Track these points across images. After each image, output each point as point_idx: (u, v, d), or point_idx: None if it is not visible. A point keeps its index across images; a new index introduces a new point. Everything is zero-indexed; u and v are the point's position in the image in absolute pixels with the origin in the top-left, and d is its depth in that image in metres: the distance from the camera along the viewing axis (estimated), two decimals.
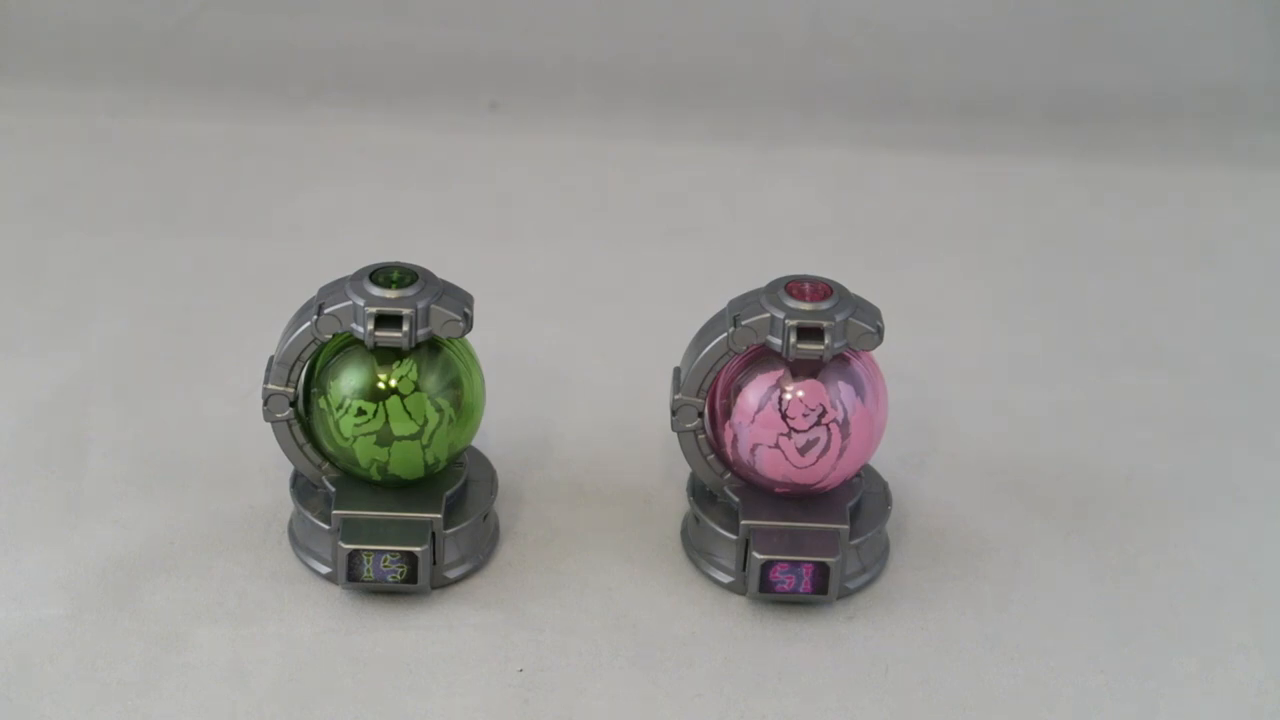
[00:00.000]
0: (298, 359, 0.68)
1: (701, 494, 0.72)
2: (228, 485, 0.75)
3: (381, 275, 0.67)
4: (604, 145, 1.04)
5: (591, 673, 0.67)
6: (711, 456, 0.70)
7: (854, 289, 0.68)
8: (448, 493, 0.70)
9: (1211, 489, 0.78)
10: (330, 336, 0.67)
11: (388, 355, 0.67)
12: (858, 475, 0.71)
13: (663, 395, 0.76)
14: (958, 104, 1.07)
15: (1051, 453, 0.80)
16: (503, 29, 1.07)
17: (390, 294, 0.66)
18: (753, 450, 0.68)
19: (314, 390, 0.68)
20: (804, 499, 0.70)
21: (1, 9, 1.06)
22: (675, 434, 0.70)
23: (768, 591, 0.68)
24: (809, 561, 0.68)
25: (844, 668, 0.67)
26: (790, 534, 0.69)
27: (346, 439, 0.67)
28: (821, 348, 0.66)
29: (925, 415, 0.82)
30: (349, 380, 0.67)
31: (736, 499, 0.70)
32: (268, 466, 0.75)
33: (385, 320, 0.66)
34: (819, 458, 0.68)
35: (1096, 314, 0.91)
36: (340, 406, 0.67)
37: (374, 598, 0.69)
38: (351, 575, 0.67)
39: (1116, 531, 0.75)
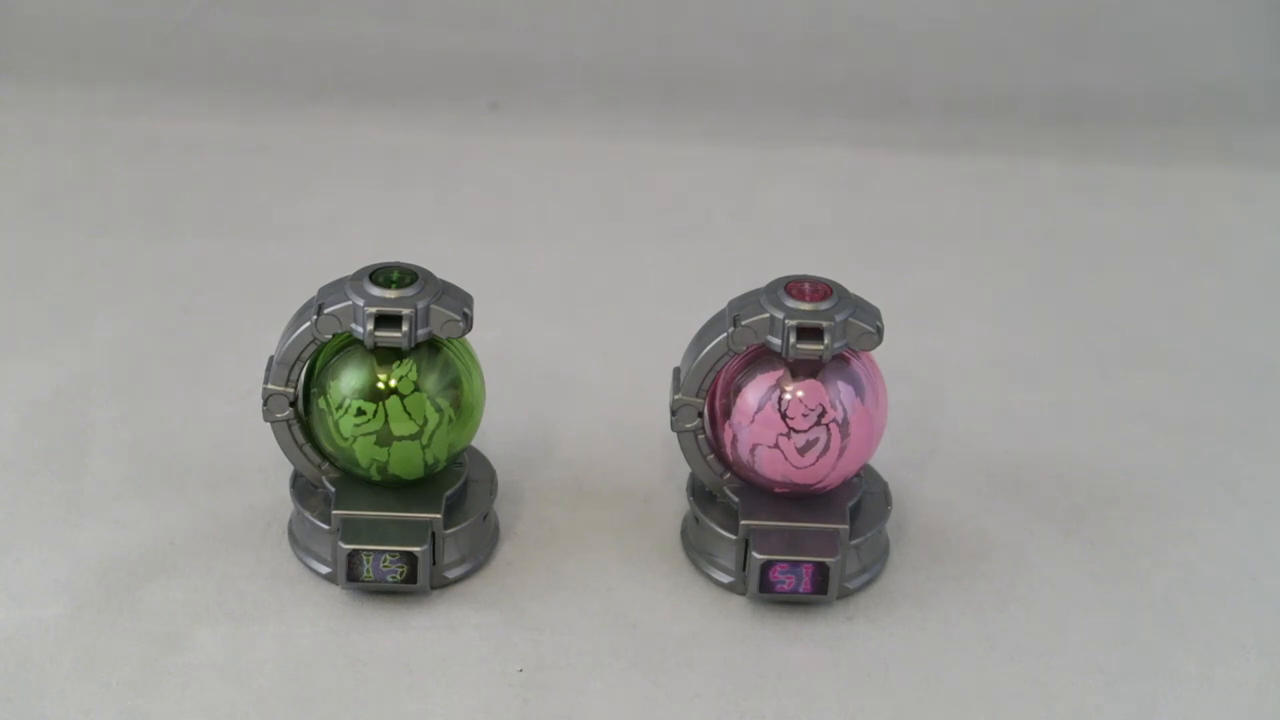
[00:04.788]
0: (298, 359, 0.68)
1: (701, 494, 0.72)
2: (228, 485, 0.75)
3: (381, 275, 0.67)
4: (604, 145, 1.04)
5: (591, 673, 0.67)
6: (711, 456, 0.70)
7: (854, 289, 0.68)
8: (448, 493, 0.70)
9: (1211, 489, 0.78)
10: (330, 336, 0.67)
11: (387, 355, 0.67)
12: (858, 475, 0.71)
13: (663, 395, 0.76)
14: (958, 104, 1.07)
15: (1051, 453, 0.80)
16: (503, 29, 1.07)
17: (390, 294, 0.66)
18: (752, 450, 0.68)
19: (314, 390, 0.68)
20: (804, 499, 0.70)
21: (1, 9, 1.06)
22: (675, 434, 0.70)
23: (768, 591, 0.68)
24: (809, 561, 0.68)
25: (844, 668, 0.67)
26: (790, 534, 0.69)
27: (346, 439, 0.67)
28: (821, 348, 0.66)
29: (925, 415, 0.82)
30: (349, 380, 0.67)
31: (736, 499, 0.70)
32: (268, 466, 0.75)
33: (385, 320, 0.66)
34: (819, 458, 0.68)
35: (1096, 314, 0.91)
36: (340, 406, 0.67)
37: (374, 598, 0.69)
38: (351, 575, 0.67)
39: (1116, 531, 0.75)
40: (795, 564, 0.68)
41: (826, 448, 0.68)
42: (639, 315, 0.89)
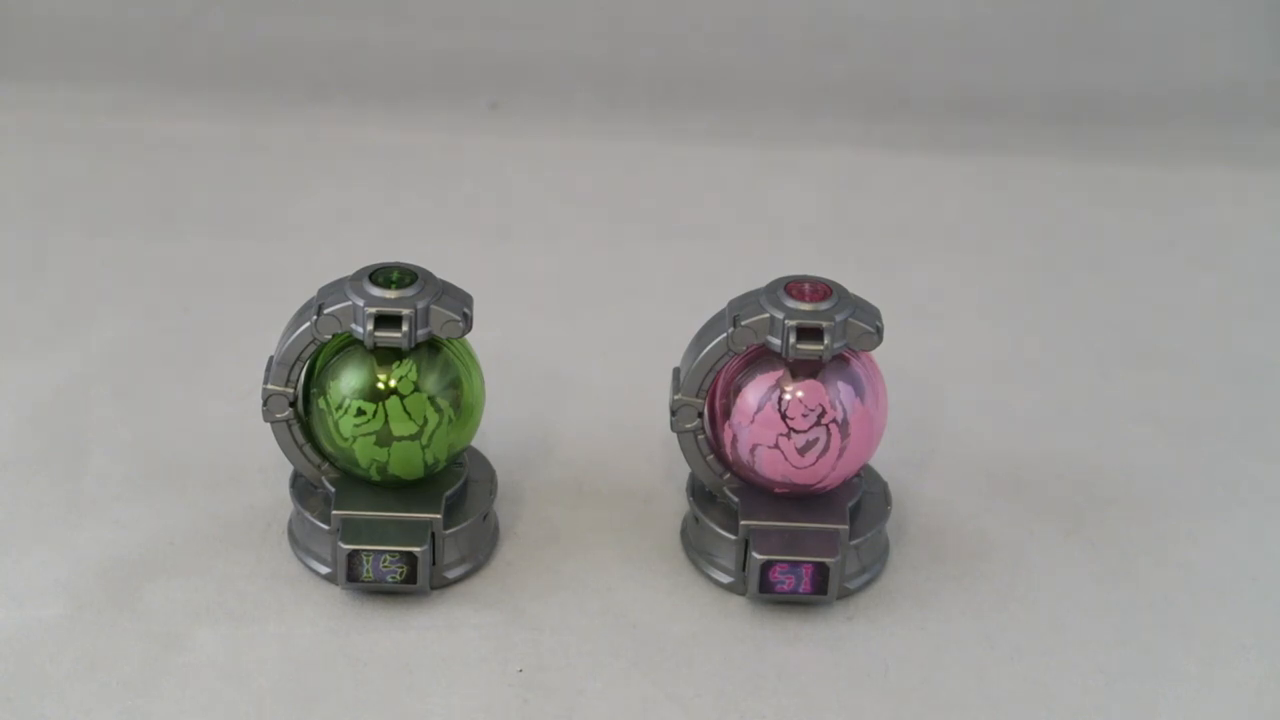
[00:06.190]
0: (297, 359, 0.68)
1: (701, 494, 0.72)
2: (228, 485, 0.75)
3: (381, 275, 0.67)
4: (604, 145, 1.04)
5: (591, 673, 0.67)
6: (711, 457, 0.70)
7: (854, 289, 0.68)
8: (448, 493, 0.70)
9: (1211, 489, 0.78)
10: (330, 337, 0.67)
11: (387, 355, 0.67)
12: (858, 475, 0.71)
13: (663, 395, 0.76)
14: (958, 104, 1.07)
15: (1051, 453, 0.80)
16: (503, 29, 1.07)
17: (390, 294, 0.66)
18: (752, 450, 0.68)
19: (314, 390, 0.68)
20: (804, 499, 0.70)
21: (1, 9, 1.06)
22: (675, 434, 0.70)
23: (767, 592, 0.68)
24: (809, 562, 0.68)
25: (844, 668, 0.67)
26: (790, 534, 0.69)
27: (346, 439, 0.67)
28: (821, 348, 0.66)
29: (925, 415, 0.82)
30: (349, 380, 0.67)
31: (736, 499, 0.70)
32: (268, 466, 0.75)
33: (385, 320, 0.66)
34: (818, 458, 0.68)
35: (1096, 314, 0.91)
36: (340, 407, 0.67)
37: (374, 598, 0.69)
38: (351, 575, 0.67)
39: (1116, 531, 0.75)
40: (795, 564, 0.68)
41: (826, 448, 0.68)
42: (639, 315, 0.89)
